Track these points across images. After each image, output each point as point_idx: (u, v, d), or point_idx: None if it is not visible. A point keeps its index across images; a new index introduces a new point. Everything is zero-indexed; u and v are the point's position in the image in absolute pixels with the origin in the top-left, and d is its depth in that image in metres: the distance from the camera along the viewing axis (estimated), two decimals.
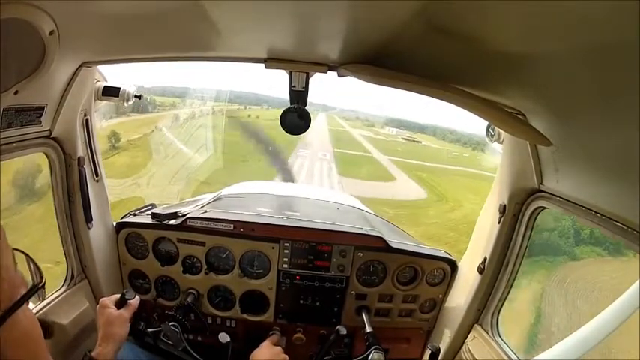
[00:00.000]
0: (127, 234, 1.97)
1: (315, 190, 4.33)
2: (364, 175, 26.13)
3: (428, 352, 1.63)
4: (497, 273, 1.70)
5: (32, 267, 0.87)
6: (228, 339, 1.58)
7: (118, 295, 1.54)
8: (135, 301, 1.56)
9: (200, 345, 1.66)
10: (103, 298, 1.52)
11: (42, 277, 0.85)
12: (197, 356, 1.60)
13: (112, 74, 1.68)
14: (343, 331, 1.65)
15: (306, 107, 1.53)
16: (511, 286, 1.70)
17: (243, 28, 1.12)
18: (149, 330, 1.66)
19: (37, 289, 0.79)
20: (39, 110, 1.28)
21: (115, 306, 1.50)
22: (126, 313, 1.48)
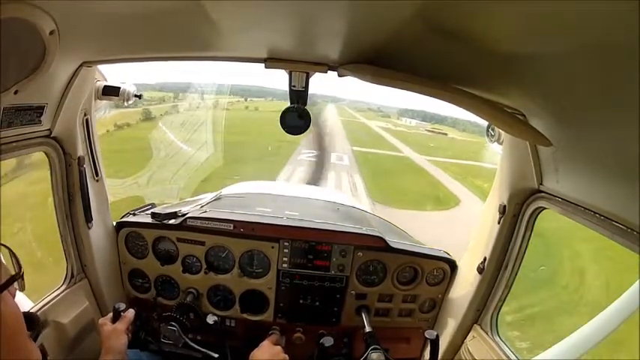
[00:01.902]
0: (126, 233, 1.97)
1: (315, 190, 4.33)
2: (414, 196, 14.95)
3: (427, 346, 1.61)
4: (497, 273, 1.70)
5: (13, 260, 0.94)
6: (216, 319, 1.67)
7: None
8: (128, 312, 1.62)
9: (200, 344, 1.66)
10: (101, 319, 1.60)
11: (21, 269, 0.92)
12: (197, 347, 1.63)
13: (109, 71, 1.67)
14: (328, 342, 1.62)
15: (306, 107, 1.53)
16: (510, 287, 1.70)
17: (243, 28, 1.12)
18: (148, 337, 1.70)
19: (15, 279, 0.87)
20: (39, 110, 1.29)
21: (111, 321, 1.56)
22: (120, 325, 1.55)
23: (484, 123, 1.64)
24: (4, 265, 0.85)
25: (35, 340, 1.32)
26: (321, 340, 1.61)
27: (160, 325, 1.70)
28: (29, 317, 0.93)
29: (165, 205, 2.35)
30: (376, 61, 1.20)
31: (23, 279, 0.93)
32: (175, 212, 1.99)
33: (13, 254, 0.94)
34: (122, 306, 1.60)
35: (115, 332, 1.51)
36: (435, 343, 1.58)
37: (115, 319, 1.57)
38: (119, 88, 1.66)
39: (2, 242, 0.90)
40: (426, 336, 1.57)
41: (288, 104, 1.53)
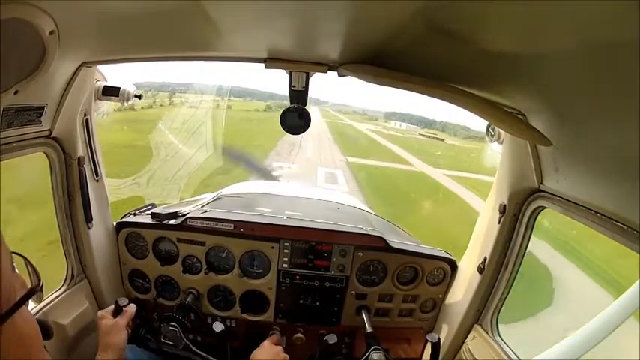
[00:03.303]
0: (127, 234, 1.97)
1: (316, 190, 4.33)
2: None
3: (428, 346, 1.62)
4: (497, 273, 1.70)
5: (30, 270, 0.89)
6: (223, 327, 1.62)
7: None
8: (130, 307, 1.59)
9: (200, 344, 1.66)
10: (100, 311, 1.56)
11: (39, 280, 0.87)
12: (198, 351, 1.62)
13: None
14: (332, 339, 1.61)
15: (305, 107, 1.53)
16: (511, 286, 1.70)
17: (243, 27, 1.12)
18: (148, 335, 1.69)
19: (34, 292, 0.81)
20: (39, 110, 1.29)
21: (112, 315, 1.53)
22: (121, 320, 1.51)
23: (474, 128, 1.64)
24: (20, 277, 0.80)
25: None
26: (325, 337, 1.61)
27: (161, 325, 1.70)
28: (43, 326, 0.89)
29: (165, 206, 2.35)
30: (376, 61, 1.20)
31: (42, 290, 0.88)
32: (175, 212, 1.98)
33: (29, 264, 0.90)
34: (125, 301, 1.58)
35: (117, 327, 1.47)
36: (436, 347, 1.58)
37: (116, 314, 1.53)
38: (119, 88, 1.66)
39: (17, 252, 0.84)
40: (428, 339, 1.58)
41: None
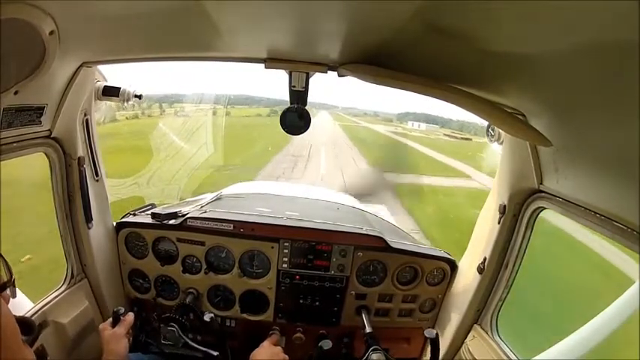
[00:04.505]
0: (126, 234, 1.97)
1: (316, 190, 4.33)
2: None
3: (428, 346, 1.61)
4: (497, 273, 1.70)
5: (3, 266, 0.94)
6: (212, 316, 1.65)
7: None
8: (128, 316, 1.61)
9: (200, 344, 1.67)
10: (101, 324, 1.59)
11: (11, 275, 0.93)
12: (197, 346, 1.63)
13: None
14: (327, 345, 1.60)
15: (305, 107, 1.53)
16: (511, 287, 1.70)
17: (243, 28, 1.12)
18: (149, 340, 1.69)
19: (5, 287, 0.87)
20: (39, 110, 1.29)
21: (111, 325, 1.56)
22: (120, 330, 1.54)
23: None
24: None
25: (34, 342, 1.33)
26: (320, 343, 1.60)
27: (160, 326, 1.70)
28: (24, 322, 0.93)
29: (165, 206, 2.35)
30: (376, 61, 1.20)
31: (14, 286, 0.92)
32: (175, 212, 1.99)
33: (3, 260, 0.93)
34: (122, 310, 1.60)
35: (115, 336, 1.51)
36: (435, 342, 1.58)
37: (114, 323, 1.57)
38: (119, 88, 1.66)
39: None
40: (426, 335, 1.57)
41: (282, 111, 1.53)
